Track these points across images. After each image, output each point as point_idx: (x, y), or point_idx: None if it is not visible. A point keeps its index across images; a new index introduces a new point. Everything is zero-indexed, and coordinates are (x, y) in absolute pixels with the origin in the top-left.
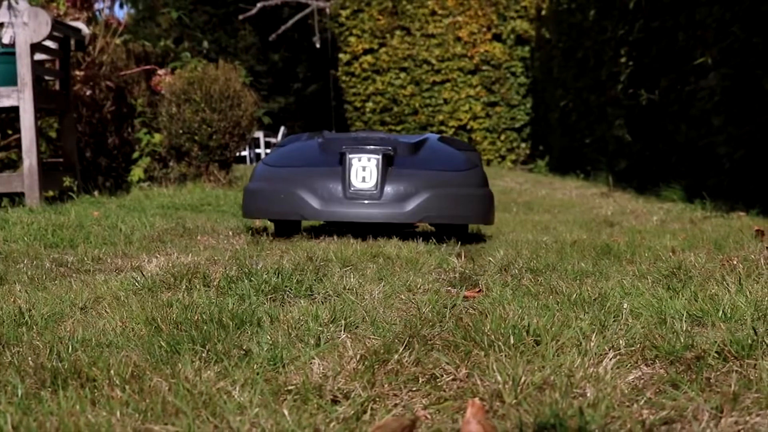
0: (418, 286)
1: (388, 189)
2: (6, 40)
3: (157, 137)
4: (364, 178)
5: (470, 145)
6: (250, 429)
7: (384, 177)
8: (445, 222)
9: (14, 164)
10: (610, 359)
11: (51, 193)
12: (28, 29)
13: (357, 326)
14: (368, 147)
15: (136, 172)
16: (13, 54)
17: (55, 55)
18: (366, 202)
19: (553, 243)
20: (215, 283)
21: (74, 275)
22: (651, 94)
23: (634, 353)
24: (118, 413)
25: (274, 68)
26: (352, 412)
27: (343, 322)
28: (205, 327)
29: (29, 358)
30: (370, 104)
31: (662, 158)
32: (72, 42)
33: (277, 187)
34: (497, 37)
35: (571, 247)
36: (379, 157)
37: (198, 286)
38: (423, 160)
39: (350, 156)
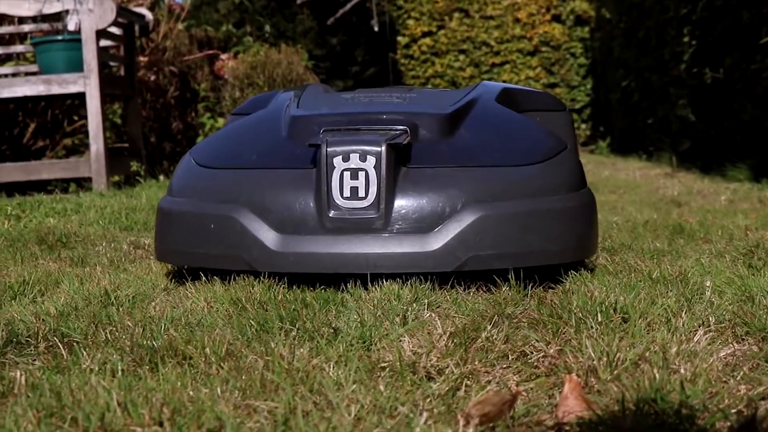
0: None
1: (400, 207)
2: (72, 27)
3: (221, 122)
4: (355, 189)
5: (556, 99)
6: (349, 404)
7: (392, 185)
8: (508, 265)
9: (80, 150)
10: (702, 335)
11: (116, 177)
12: (93, 16)
13: (439, 305)
14: (362, 135)
15: None
16: (79, 41)
17: (120, 41)
18: (358, 235)
19: (624, 223)
20: None
21: (152, 257)
22: (715, 73)
23: (724, 330)
24: (218, 390)
25: (332, 52)
26: (447, 388)
27: (425, 301)
28: (292, 306)
29: (124, 337)
30: (429, 87)
31: (727, 138)
32: (136, 28)
33: (205, 208)
34: (556, 18)
35: (644, 227)
36: (381, 149)
37: None
38: (465, 146)
39: (330, 151)
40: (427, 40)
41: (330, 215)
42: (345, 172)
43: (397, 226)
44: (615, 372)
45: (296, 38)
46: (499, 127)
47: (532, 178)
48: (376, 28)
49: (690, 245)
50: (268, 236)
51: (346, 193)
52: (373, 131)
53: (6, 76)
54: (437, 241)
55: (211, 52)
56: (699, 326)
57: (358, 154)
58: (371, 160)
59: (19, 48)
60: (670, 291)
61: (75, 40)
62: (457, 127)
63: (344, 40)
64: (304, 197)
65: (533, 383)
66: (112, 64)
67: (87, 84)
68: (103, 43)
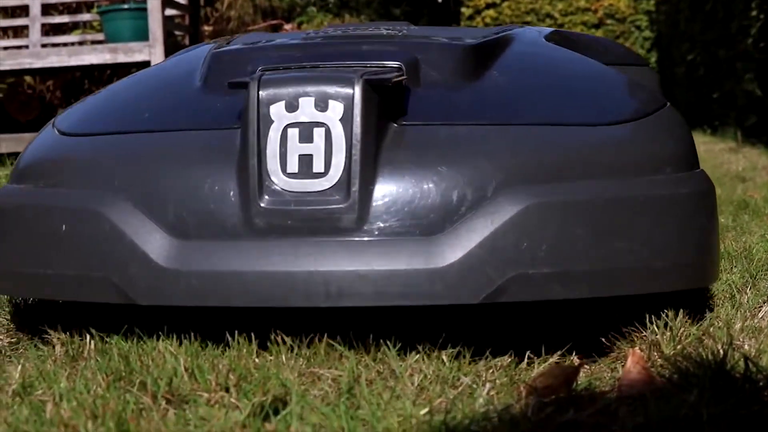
0: None
1: (387, 191)
2: None
3: None
4: (307, 160)
5: (636, 54)
6: (412, 374)
7: (372, 152)
8: (581, 294)
9: None
10: (767, 312)
11: None
12: None
13: None
14: (321, 70)
15: None
16: (145, 10)
17: (185, 10)
18: (312, 239)
19: None
20: None
21: None
22: None
23: None
24: (283, 357)
25: None
26: (509, 359)
27: None
28: None
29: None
30: None
31: None
32: None
33: (56, 199)
34: None
35: None
36: (353, 91)
37: None
38: (499, 93)
39: (265, 96)
40: (491, 12)
41: (262, 205)
42: (290, 130)
43: (381, 224)
44: (678, 347)
45: (360, 8)
46: (554, 69)
47: (617, 144)
48: (439, 0)
49: (755, 221)
50: (156, 243)
51: (292, 166)
52: (335, 72)
53: (73, 44)
54: (452, 249)
55: (274, 21)
56: (764, 303)
57: (312, 99)
58: (336, 109)
59: (85, 16)
60: (735, 267)
61: (140, 9)
62: (486, 68)
63: (408, 11)
64: (218, 176)
65: (595, 356)
66: (176, 33)
67: (152, 53)
68: (169, 12)
